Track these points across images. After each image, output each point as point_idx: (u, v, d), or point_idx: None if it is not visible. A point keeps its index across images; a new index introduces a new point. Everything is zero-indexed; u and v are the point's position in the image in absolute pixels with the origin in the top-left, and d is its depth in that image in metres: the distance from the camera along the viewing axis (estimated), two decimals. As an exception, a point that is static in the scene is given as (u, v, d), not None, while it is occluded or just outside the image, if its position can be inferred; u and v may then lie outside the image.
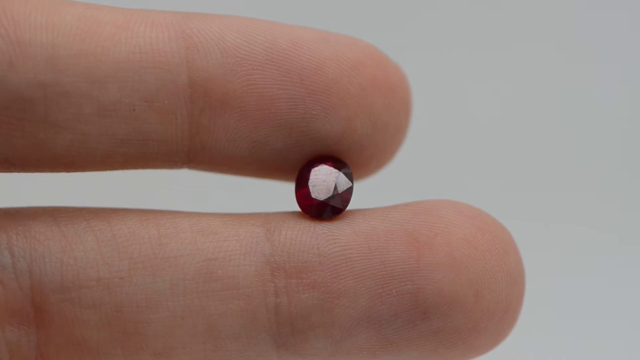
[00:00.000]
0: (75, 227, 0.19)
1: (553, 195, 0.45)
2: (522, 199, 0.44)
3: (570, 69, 0.47)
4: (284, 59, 0.19)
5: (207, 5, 0.22)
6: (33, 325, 0.19)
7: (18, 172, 0.19)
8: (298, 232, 0.20)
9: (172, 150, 0.19)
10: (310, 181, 0.20)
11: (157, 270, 0.19)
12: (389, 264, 0.19)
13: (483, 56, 0.47)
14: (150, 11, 0.19)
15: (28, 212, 0.20)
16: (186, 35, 0.19)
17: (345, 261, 0.20)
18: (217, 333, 0.20)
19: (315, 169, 0.20)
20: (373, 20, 0.46)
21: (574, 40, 0.48)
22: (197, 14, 0.19)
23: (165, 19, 0.19)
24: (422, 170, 0.42)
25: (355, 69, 0.19)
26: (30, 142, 0.18)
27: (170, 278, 0.19)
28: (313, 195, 0.20)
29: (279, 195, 0.23)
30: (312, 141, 0.20)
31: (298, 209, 0.20)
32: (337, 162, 0.20)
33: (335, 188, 0.20)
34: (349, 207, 0.20)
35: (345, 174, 0.20)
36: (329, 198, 0.20)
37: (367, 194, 0.23)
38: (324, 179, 0.20)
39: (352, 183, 0.20)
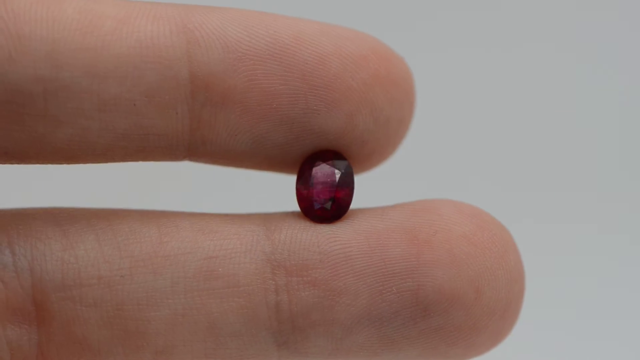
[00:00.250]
0: (76, 226, 0.20)
1: (553, 195, 0.45)
2: (522, 199, 0.44)
3: (571, 69, 0.47)
4: (286, 53, 0.19)
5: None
6: (34, 324, 0.19)
7: (18, 164, 0.19)
8: (298, 230, 0.20)
9: (173, 144, 0.19)
10: (310, 184, 0.20)
11: (158, 268, 0.19)
12: (389, 261, 0.19)
13: (487, 54, 0.47)
14: (152, 3, 0.19)
15: (29, 212, 0.20)
16: (188, 30, 0.19)
17: (345, 259, 0.20)
18: (218, 331, 0.20)
19: (316, 170, 0.20)
20: (377, 13, 0.46)
21: (575, 40, 0.48)
22: (199, 7, 0.19)
23: (167, 12, 0.19)
24: (423, 168, 0.42)
25: (358, 63, 0.19)
26: (30, 136, 0.18)
27: (171, 276, 0.19)
28: (314, 199, 0.20)
29: (280, 187, 0.23)
30: (314, 136, 0.20)
31: (297, 204, 0.20)
32: (339, 161, 0.20)
33: (336, 191, 0.20)
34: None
35: (346, 174, 0.20)
36: (330, 202, 0.20)
37: (367, 192, 0.23)
38: (324, 182, 0.20)
39: (353, 185, 0.20)
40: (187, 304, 0.19)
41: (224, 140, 0.20)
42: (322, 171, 0.20)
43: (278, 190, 0.23)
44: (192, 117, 0.19)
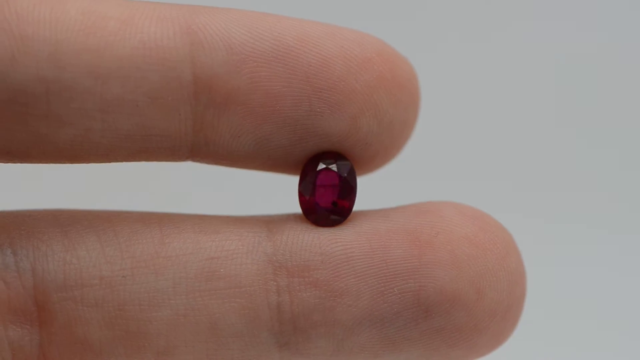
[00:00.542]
0: (77, 227, 0.20)
1: (555, 197, 0.45)
2: (524, 201, 0.44)
3: (572, 69, 0.47)
4: (290, 55, 0.19)
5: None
6: (35, 324, 0.19)
7: (20, 163, 0.19)
8: (300, 231, 0.20)
9: (176, 145, 0.19)
10: (313, 188, 0.20)
11: (160, 268, 0.19)
12: (390, 262, 0.20)
13: (492, 57, 0.47)
14: (156, 4, 0.19)
15: (30, 214, 0.20)
16: (191, 31, 0.19)
17: (347, 260, 0.20)
18: (220, 332, 0.20)
19: (319, 173, 0.20)
20: (383, 14, 0.46)
21: (575, 40, 0.48)
22: (203, 8, 0.19)
23: (171, 13, 0.19)
24: (425, 170, 0.42)
25: (362, 66, 0.19)
26: (33, 136, 0.18)
27: (173, 277, 0.19)
28: (316, 203, 0.20)
29: (283, 187, 0.23)
30: (317, 138, 0.20)
31: (299, 207, 0.20)
32: (341, 161, 0.20)
33: (339, 197, 0.20)
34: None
35: (349, 178, 0.20)
36: (332, 207, 0.20)
37: (369, 194, 0.23)
38: (327, 185, 0.20)
39: (356, 189, 0.20)
40: (189, 304, 0.19)
41: (227, 141, 0.20)
42: (325, 175, 0.20)
43: (280, 191, 0.23)
44: (195, 118, 0.19)
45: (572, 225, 0.45)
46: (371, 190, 0.24)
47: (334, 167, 0.20)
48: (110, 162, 0.19)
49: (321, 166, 0.20)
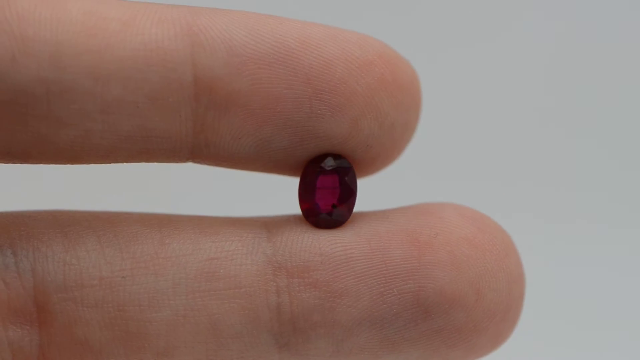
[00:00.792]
0: (77, 227, 0.20)
1: (555, 198, 0.45)
2: (524, 203, 0.44)
3: (572, 68, 0.47)
4: (291, 58, 0.19)
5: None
6: (35, 325, 0.19)
7: (20, 163, 0.19)
8: (299, 232, 0.20)
9: (176, 147, 0.19)
10: (313, 190, 0.20)
11: (160, 269, 0.19)
12: (390, 263, 0.20)
13: (492, 59, 0.47)
14: (157, 5, 0.19)
15: (30, 215, 0.20)
16: (192, 33, 0.19)
17: (346, 261, 0.20)
18: (219, 332, 0.20)
19: (320, 176, 0.20)
20: (384, 16, 0.46)
21: (576, 40, 0.48)
22: (204, 9, 0.19)
23: (172, 14, 0.19)
24: (424, 171, 0.42)
25: (364, 68, 0.19)
26: (33, 137, 0.18)
27: (173, 277, 0.19)
28: (316, 206, 0.20)
29: (283, 188, 0.23)
30: (318, 140, 0.20)
31: (299, 209, 0.21)
32: (342, 164, 0.20)
33: (339, 200, 0.20)
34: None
35: (349, 182, 0.20)
36: (332, 210, 0.20)
37: (369, 195, 0.23)
38: (327, 188, 0.20)
39: (356, 192, 0.20)
40: (189, 305, 0.19)
41: (228, 143, 0.19)
42: (325, 177, 0.20)
43: (280, 192, 0.23)
44: (196, 120, 0.19)
45: (571, 226, 0.45)
46: (371, 192, 0.24)
47: (334, 169, 0.20)
48: (110, 163, 0.19)
49: (321, 168, 0.20)
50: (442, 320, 0.20)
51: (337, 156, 0.20)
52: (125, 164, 0.20)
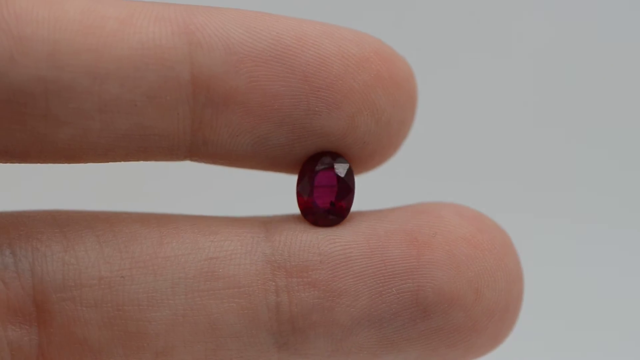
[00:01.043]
0: (76, 227, 0.20)
1: (554, 197, 0.45)
2: (523, 201, 0.44)
3: (571, 68, 0.47)
4: (288, 55, 0.19)
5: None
6: (34, 324, 0.19)
7: (19, 163, 0.19)
8: (298, 232, 0.20)
9: (174, 145, 0.19)
10: (311, 188, 0.20)
11: (159, 269, 0.19)
12: (389, 262, 0.20)
13: (488, 55, 0.47)
14: (154, 4, 0.19)
15: (29, 214, 0.20)
16: (189, 31, 0.19)
17: (345, 260, 0.20)
18: (218, 332, 0.20)
19: (317, 173, 0.20)
20: (380, 14, 0.46)
21: (574, 39, 0.48)
22: (201, 7, 0.19)
23: (169, 13, 0.19)
24: (423, 170, 0.42)
25: (360, 65, 0.19)
26: (32, 136, 0.18)
27: (172, 277, 0.19)
28: (314, 204, 0.20)
29: (281, 186, 0.23)
30: (315, 137, 0.20)
31: (297, 203, 0.21)
32: (339, 161, 0.20)
33: (337, 198, 0.20)
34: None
35: (347, 179, 0.20)
36: (330, 207, 0.20)
37: (367, 194, 0.23)
38: (325, 186, 0.20)
39: (354, 189, 0.20)
40: (188, 304, 0.19)
41: (225, 141, 0.20)
42: (323, 175, 0.20)
43: (279, 190, 0.23)
44: (194, 118, 0.19)
45: (570, 225, 0.45)
46: (369, 190, 0.24)
47: (332, 167, 0.20)
48: (108, 161, 0.19)
49: (319, 166, 0.20)
50: (441, 319, 0.20)
51: (334, 154, 0.20)
52: (123, 163, 0.20)
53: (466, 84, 0.46)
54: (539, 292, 0.30)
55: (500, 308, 0.20)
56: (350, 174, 0.20)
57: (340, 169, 0.20)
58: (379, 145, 0.20)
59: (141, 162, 0.20)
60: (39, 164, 0.19)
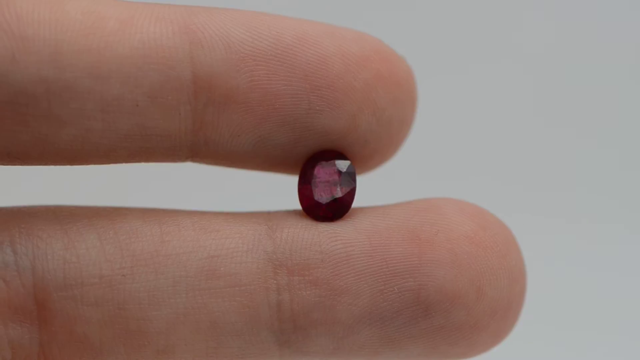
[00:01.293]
0: (78, 224, 0.19)
1: (556, 192, 0.45)
2: (524, 197, 0.44)
3: (571, 67, 0.47)
4: (289, 54, 0.19)
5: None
6: (35, 323, 0.19)
7: (21, 165, 0.19)
8: (300, 229, 0.20)
9: (176, 145, 0.19)
10: (312, 183, 0.20)
11: (160, 267, 0.19)
12: (390, 261, 0.20)
13: (487, 54, 0.47)
14: (155, 5, 0.19)
15: (30, 211, 0.20)
16: (190, 31, 0.19)
17: (346, 258, 0.20)
18: (219, 330, 0.20)
19: (318, 169, 0.20)
20: (379, 14, 0.46)
21: (574, 38, 0.48)
22: (201, 8, 0.19)
23: (170, 13, 0.19)
24: (424, 167, 0.42)
25: (360, 64, 0.19)
26: (34, 137, 0.18)
27: (173, 275, 0.19)
28: (315, 198, 0.20)
29: (282, 188, 0.23)
30: (316, 136, 0.20)
31: (299, 204, 0.20)
32: (341, 159, 0.20)
33: (338, 192, 0.20)
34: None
35: (348, 174, 0.20)
36: (331, 201, 0.20)
37: (368, 190, 0.23)
38: (326, 181, 0.20)
39: (355, 184, 0.20)
40: (189, 303, 0.19)
41: (227, 140, 0.20)
42: (324, 170, 0.20)
43: (280, 192, 0.23)
44: (195, 117, 0.19)
45: (573, 223, 0.45)
46: (370, 187, 0.24)
47: (333, 163, 0.20)
48: (110, 163, 0.19)
49: (320, 162, 0.20)
50: (442, 318, 0.20)
51: (335, 152, 0.20)
52: (124, 165, 0.20)
53: (465, 83, 0.46)
54: (540, 288, 0.30)
55: (503, 306, 0.20)
56: (351, 169, 0.20)
57: (342, 165, 0.20)
58: (380, 144, 0.20)
59: (142, 164, 0.20)
60: (40, 166, 0.19)
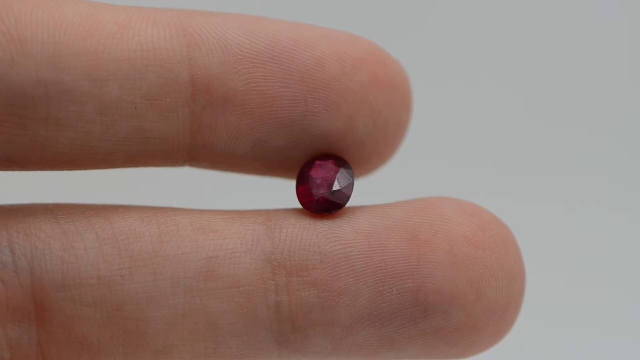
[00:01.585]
0: (76, 224, 0.19)
1: (555, 192, 0.45)
2: (524, 196, 0.44)
3: (570, 67, 0.47)
4: (285, 56, 0.19)
5: (209, 3, 0.22)
6: (34, 323, 0.19)
7: (19, 170, 0.19)
8: (299, 229, 0.20)
9: (174, 148, 0.19)
10: (310, 177, 0.20)
11: (158, 268, 0.19)
12: (389, 261, 0.19)
13: (483, 54, 0.47)
14: (152, 9, 0.19)
15: (28, 210, 0.20)
16: (187, 33, 0.19)
17: (345, 259, 0.20)
18: (218, 331, 0.20)
19: (316, 165, 0.20)
20: (374, 17, 0.46)
21: (572, 38, 0.48)
22: (198, 12, 0.19)
23: (167, 16, 0.19)
24: (423, 167, 0.42)
25: (356, 66, 0.19)
26: (32, 141, 0.18)
27: (171, 276, 0.19)
28: (313, 191, 0.20)
29: (280, 192, 0.23)
30: (313, 139, 0.20)
31: (299, 206, 0.20)
32: (338, 160, 0.20)
33: (336, 184, 0.20)
34: (349, 204, 0.20)
35: (346, 170, 0.20)
36: (330, 194, 0.20)
37: (367, 191, 0.23)
38: (324, 175, 0.20)
39: (353, 179, 0.20)
40: (187, 304, 0.19)
41: (225, 143, 0.20)
42: (322, 168, 0.20)
43: (278, 198, 0.23)
44: (193, 120, 0.19)
45: (573, 222, 0.45)
46: (369, 187, 0.24)
47: (329, 158, 0.20)
48: (108, 167, 0.20)
49: (318, 159, 0.20)
50: (441, 319, 0.20)
51: (333, 155, 0.20)
52: (122, 170, 0.20)
53: (463, 84, 0.46)
54: (540, 285, 0.30)
55: (501, 306, 0.20)
56: (348, 168, 0.20)
57: (339, 162, 0.20)
58: (376, 147, 0.20)
59: (141, 170, 0.20)
60: (39, 171, 0.19)
